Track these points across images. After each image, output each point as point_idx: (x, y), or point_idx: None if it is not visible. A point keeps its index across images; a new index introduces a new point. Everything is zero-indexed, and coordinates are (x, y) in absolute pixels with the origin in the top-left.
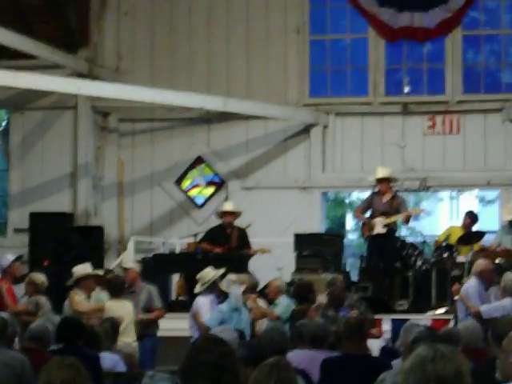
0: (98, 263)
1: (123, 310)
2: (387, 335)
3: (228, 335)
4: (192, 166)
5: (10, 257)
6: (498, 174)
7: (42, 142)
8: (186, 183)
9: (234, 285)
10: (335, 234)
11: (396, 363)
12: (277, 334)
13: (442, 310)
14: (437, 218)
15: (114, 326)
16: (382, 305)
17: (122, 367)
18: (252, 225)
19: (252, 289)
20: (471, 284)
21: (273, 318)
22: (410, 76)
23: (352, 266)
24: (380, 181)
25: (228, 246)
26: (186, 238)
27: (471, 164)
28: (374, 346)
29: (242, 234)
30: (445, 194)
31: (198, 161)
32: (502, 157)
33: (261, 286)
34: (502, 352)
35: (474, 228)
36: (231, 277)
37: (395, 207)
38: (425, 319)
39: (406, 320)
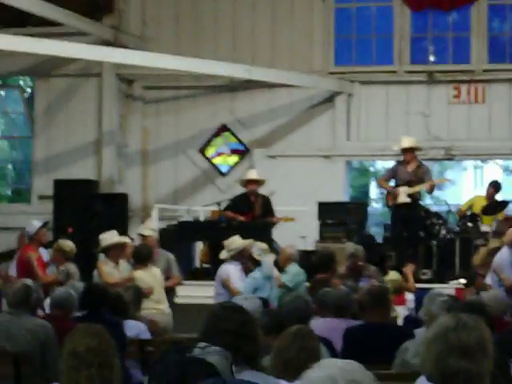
0: (121, 231)
1: (153, 278)
2: (410, 304)
3: (251, 303)
4: (216, 134)
5: (36, 223)
6: None
7: (66, 110)
8: (211, 151)
9: (265, 253)
10: (359, 202)
11: (419, 332)
12: (299, 302)
13: (465, 280)
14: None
15: (137, 293)
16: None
17: (146, 335)
18: (276, 193)
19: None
20: (504, 255)
21: (279, 285)
22: (435, 45)
23: (376, 235)
24: (405, 150)
25: (252, 214)
26: (209, 206)
27: (496, 133)
28: (401, 313)
29: (266, 202)
30: (469, 164)
31: (222, 129)
32: None
33: None
34: None
35: (498, 197)
36: (261, 245)
37: (420, 176)
38: (448, 288)
39: (430, 289)
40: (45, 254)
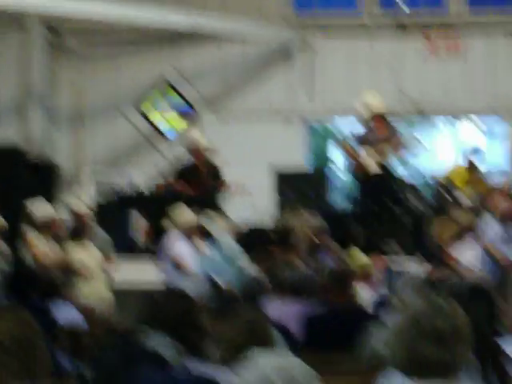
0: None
1: (91, 258)
2: (381, 286)
3: (198, 285)
4: (154, 86)
5: None
6: (507, 103)
7: None
8: (147, 106)
9: (223, 231)
10: (322, 172)
11: (390, 317)
12: (252, 284)
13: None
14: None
15: (72, 275)
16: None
17: (81, 323)
18: (228, 162)
19: None
20: (495, 230)
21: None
22: None
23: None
24: (374, 116)
25: (201, 185)
26: (153, 176)
27: (476, 90)
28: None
29: (217, 172)
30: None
31: (163, 84)
32: (510, 82)
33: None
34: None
35: (480, 166)
36: (219, 222)
37: (389, 140)
38: (424, 269)
39: (403, 269)
40: None
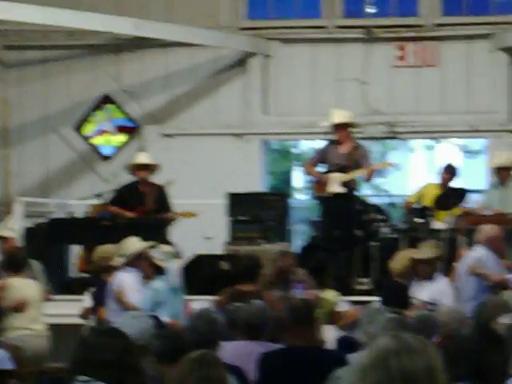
0: None
1: (30, 289)
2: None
3: (140, 323)
4: (96, 107)
5: None
6: (485, 118)
7: None
8: (89, 128)
9: (171, 259)
10: (279, 193)
11: (354, 357)
12: (204, 322)
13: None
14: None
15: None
16: (338, 283)
17: (7, 364)
18: (174, 182)
19: None
20: (482, 253)
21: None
22: None
23: (300, 234)
24: (337, 127)
25: (143, 208)
26: (89, 198)
27: (450, 105)
28: (333, 333)
29: (161, 193)
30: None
31: (105, 100)
32: (488, 96)
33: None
34: None
35: (454, 185)
36: (166, 248)
37: (356, 160)
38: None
39: (368, 303)
40: None
